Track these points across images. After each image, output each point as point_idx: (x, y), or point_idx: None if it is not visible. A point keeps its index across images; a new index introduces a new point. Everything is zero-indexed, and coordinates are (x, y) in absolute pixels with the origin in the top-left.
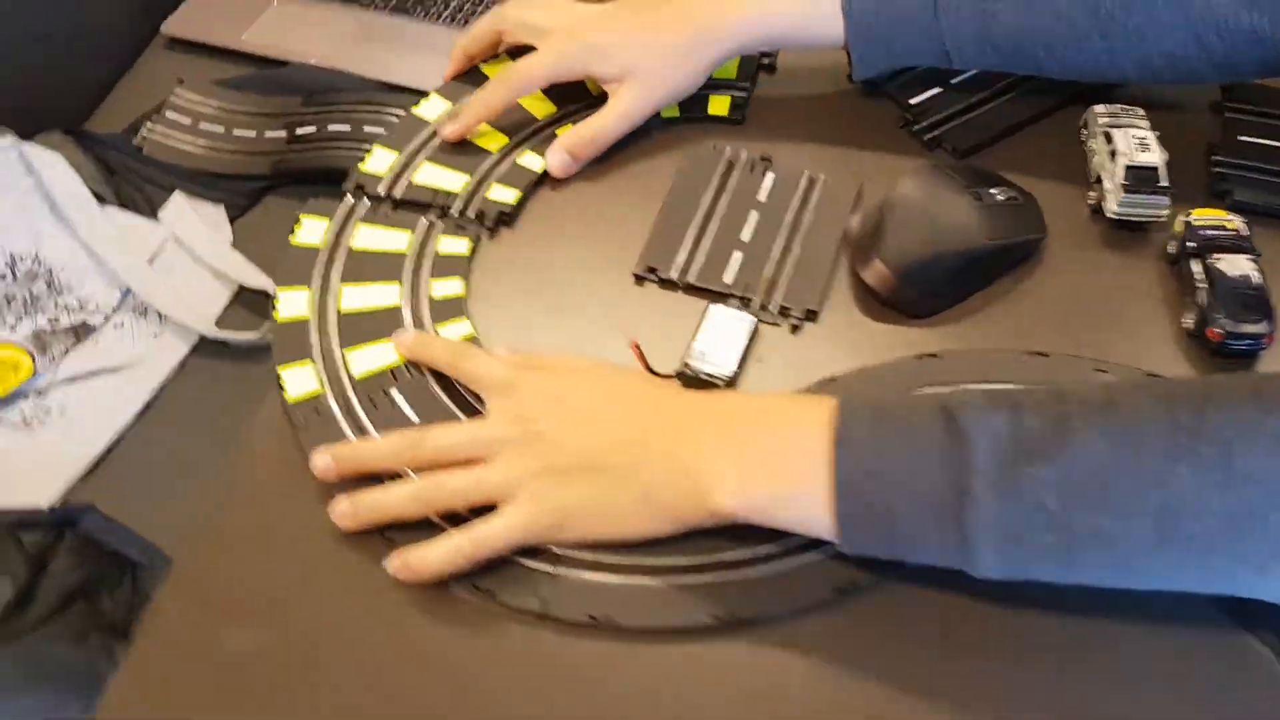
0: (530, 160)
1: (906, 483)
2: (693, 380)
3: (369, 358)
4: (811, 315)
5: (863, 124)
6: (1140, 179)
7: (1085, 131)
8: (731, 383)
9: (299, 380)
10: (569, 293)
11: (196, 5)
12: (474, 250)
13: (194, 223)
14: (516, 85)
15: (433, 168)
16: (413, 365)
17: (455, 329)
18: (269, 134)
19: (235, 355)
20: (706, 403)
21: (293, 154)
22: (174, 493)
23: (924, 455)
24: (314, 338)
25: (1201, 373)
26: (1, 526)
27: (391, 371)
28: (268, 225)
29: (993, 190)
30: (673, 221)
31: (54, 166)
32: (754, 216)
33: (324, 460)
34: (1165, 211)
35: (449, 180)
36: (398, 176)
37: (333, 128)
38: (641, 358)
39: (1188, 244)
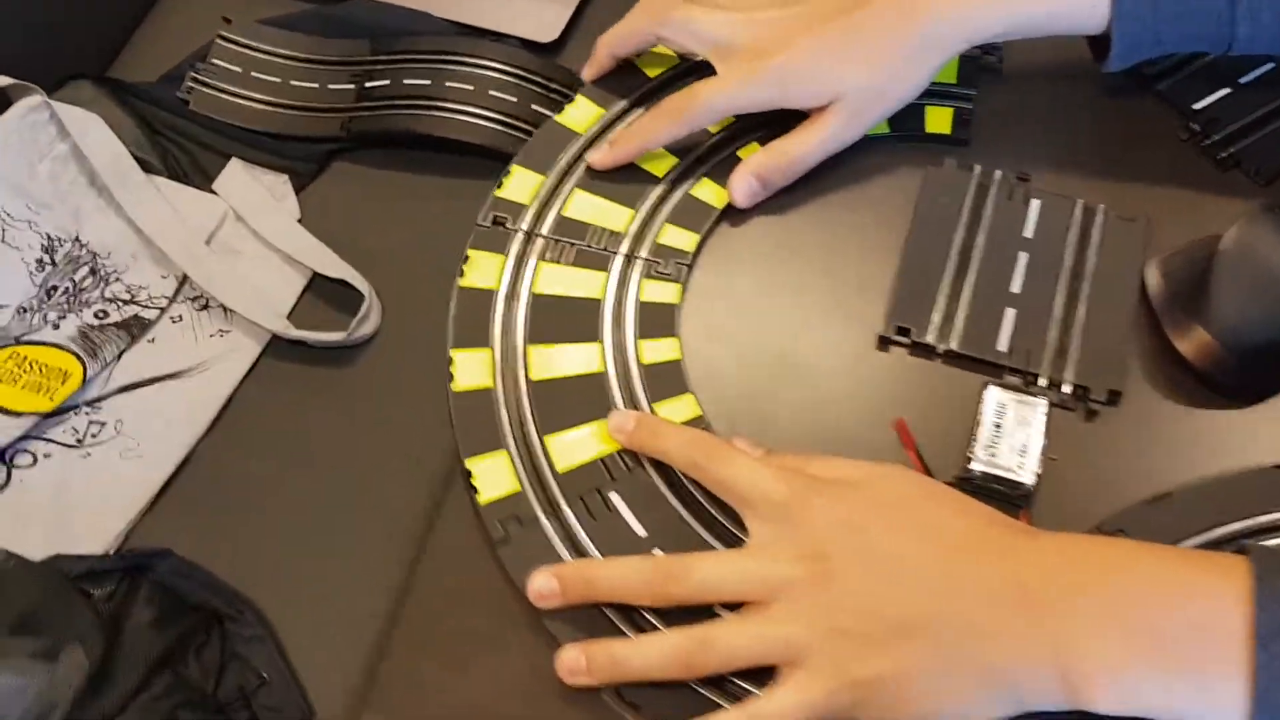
0: (706, 192)
1: None
2: (981, 487)
3: (574, 446)
4: (1114, 397)
5: (1132, 135)
6: None
7: None
8: (1031, 492)
9: (492, 476)
10: (798, 357)
11: None
12: (683, 297)
13: (257, 196)
14: (693, 119)
15: (587, 198)
16: (628, 453)
17: (676, 408)
18: (333, 86)
19: (311, 356)
20: (1066, 552)
21: (364, 112)
22: (252, 527)
23: None
24: (503, 416)
25: None
26: (66, 580)
27: (603, 464)
28: (338, 197)
29: None
30: (920, 266)
31: (92, 130)
32: (1022, 259)
33: (547, 584)
34: None
35: (609, 215)
36: (544, 207)
37: (408, 82)
38: (912, 445)
39: None
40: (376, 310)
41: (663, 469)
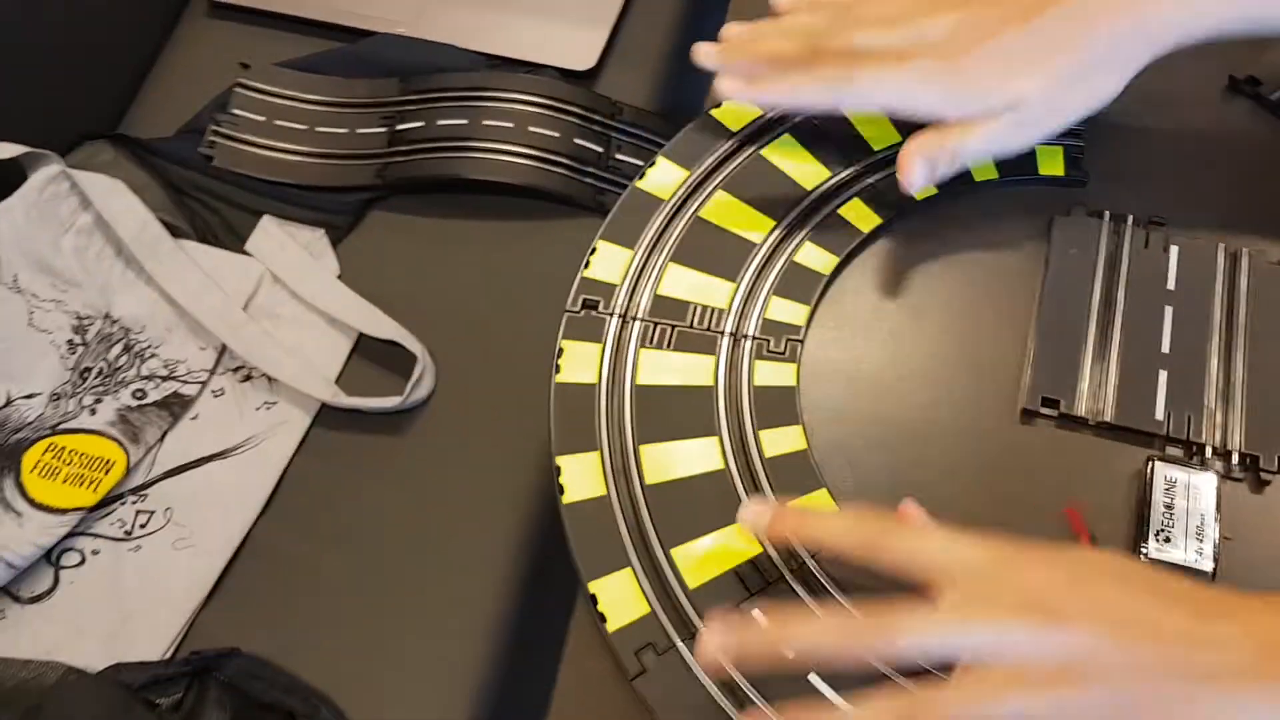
0: (811, 257)
1: None
2: None
3: (703, 558)
4: None
5: (1261, 166)
6: None
7: None
8: (1212, 579)
9: (619, 599)
10: (935, 439)
11: None
12: (799, 377)
13: (294, 255)
14: (852, 96)
15: (682, 272)
16: (757, 564)
17: (809, 501)
18: (363, 131)
19: (363, 424)
20: None
21: (399, 157)
22: (318, 614)
23: None
24: (621, 529)
25: None
26: (130, 692)
27: (737, 575)
28: (378, 249)
29: None
30: (1059, 327)
31: (116, 198)
32: (1168, 314)
33: (716, 641)
34: None
35: (708, 290)
36: (636, 285)
37: (443, 122)
38: (1087, 535)
39: None
40: (430, 371)
41: (803, 578)
